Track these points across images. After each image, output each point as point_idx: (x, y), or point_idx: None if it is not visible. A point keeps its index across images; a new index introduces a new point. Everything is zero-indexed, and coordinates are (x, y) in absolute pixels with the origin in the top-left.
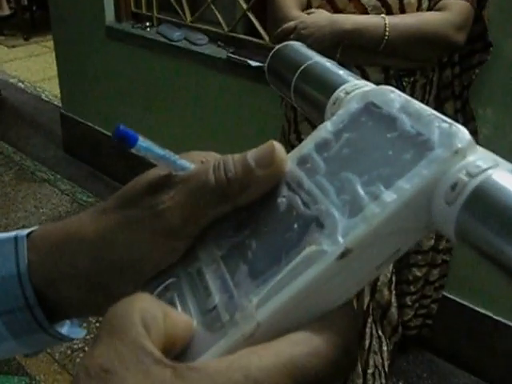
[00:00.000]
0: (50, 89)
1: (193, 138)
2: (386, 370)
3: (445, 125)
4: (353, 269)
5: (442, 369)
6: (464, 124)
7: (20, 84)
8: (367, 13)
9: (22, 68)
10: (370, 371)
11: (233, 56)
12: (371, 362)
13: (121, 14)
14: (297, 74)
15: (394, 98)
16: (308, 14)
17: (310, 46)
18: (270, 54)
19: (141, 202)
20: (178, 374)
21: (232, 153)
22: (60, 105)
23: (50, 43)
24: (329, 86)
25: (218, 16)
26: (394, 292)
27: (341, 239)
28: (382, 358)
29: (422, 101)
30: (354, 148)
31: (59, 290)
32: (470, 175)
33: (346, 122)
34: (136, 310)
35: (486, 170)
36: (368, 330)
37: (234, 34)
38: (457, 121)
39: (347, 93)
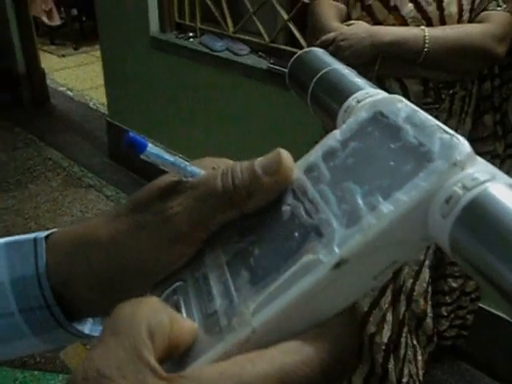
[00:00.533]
0: (98, 97)
1: (233, 146)
2: (421, 379)
3: (446, 136)
4: (349, 278)
5: (477, 379)
6: (503, 135)
7: (69, 92)
8: (407, 25)
9: (70, 76)
10: (404, 380)
11: (273, 66)
12: (406, 371)
13: (165, 24)
14: (314, 81)
15: (401, 107)
16: (347, 25)
17: (348, 58)
18: (292, 60)
19: (151, 207)
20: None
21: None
22: (106, 113)
23: (99, 52)
24: (342, 94)
25: (260, 27)
26: (429, 302)
27: (336, 249)
28: (417, 368)
29: (460, 113)
30: (359, 158)
31: (74, 291)
32: (466, 188)
33: (354, 131)
34: (143, 314)
35: (481, 183)
36: (403, 340)
37: (274, 45)
38: (496, 133)
39: (358, 101)
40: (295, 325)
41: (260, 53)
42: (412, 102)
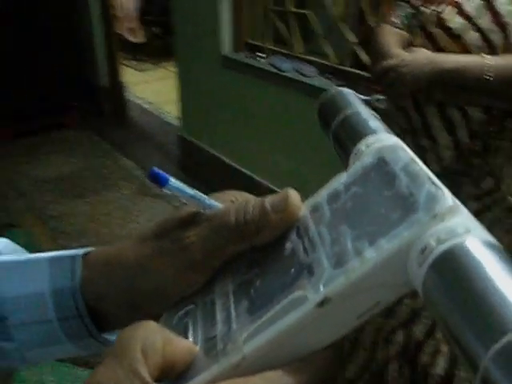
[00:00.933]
0: (172, 111)
1: (296, 163)
2: None
3: (432, 188)
4: (332, 316)
5: None
6: None
7: (146, 105)
8: (470, 53)
9: (148, 90)
10: None
11: None
12: None
13: (237, 44)
14: (336, 120)
15: (402, 155)
16: (409, 52)
17: (408, 84)
18: (321, 98)
19: (171, 234)
20: None
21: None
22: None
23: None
24: (357, 137)
25: (328, 49)
26: None
27: (322, 288)
28: None
29: None
30: (357, 202)
31: (104, 306)
32: (439, 241)
33: (358, 176)
34: (137, 337)
35: (454, 237)
36: (459, 373)
37: (341, 67)
38: None
39: (367, 146)
40: (282, 354)
41: (327, 74)
42: (475, 130)
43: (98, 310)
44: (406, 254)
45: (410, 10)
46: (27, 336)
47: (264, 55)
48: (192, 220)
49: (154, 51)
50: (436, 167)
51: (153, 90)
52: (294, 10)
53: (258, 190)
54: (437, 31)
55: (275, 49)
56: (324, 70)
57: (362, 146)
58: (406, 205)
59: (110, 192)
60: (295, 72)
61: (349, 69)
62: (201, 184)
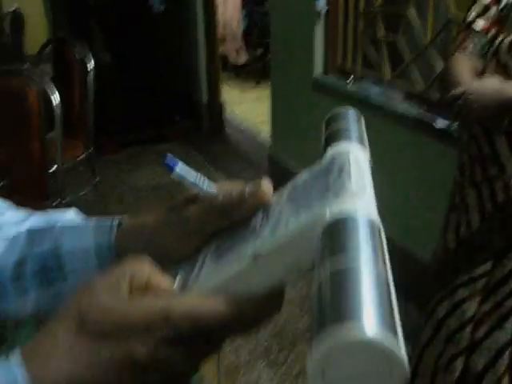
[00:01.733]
0: (266, 130)
1: (383, 189)
2: None
3: (346, 180)
4: (264, 268)
5: None
6: None
7: (243, 124)
8: None
9: (248, 109)
10: None
11: (421, 115)
12: None
13: (327, 68)
14: (328, 131)
15: (343, 159)
16: (479, 80)
17: (475, 111)
18: (329, 114)
19: (177, 209)
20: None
21: (407, 206)
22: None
23: None
24: (332, 143)
25: (416, 75)
26: None
27: (258, 247)
28: None
29: None
30: (304, 187)
31: None
32: (332, 215)
33: (315, 170)
34: (135, 263)
35: (342, 214)
36: None
37: (427, 93)
38: None
39: (332, 150)
40: (227, 293)
41: (413, 100)
42: None
43: None
44: (316, 225)
45: (484, 39)
46: (78, 281)
47: (353, 79)
48: (193, 199)
49: (255, 72)
50: (503, 196)
51: (251, 109)
52: (384, 36)
53: None
54: (510, 62)
55: (364, 73)
56: (410, 96)
57: (329, 150)
58: (326, 190)
59: None
60: (382, 97)
61: (434, 95)
62: None
